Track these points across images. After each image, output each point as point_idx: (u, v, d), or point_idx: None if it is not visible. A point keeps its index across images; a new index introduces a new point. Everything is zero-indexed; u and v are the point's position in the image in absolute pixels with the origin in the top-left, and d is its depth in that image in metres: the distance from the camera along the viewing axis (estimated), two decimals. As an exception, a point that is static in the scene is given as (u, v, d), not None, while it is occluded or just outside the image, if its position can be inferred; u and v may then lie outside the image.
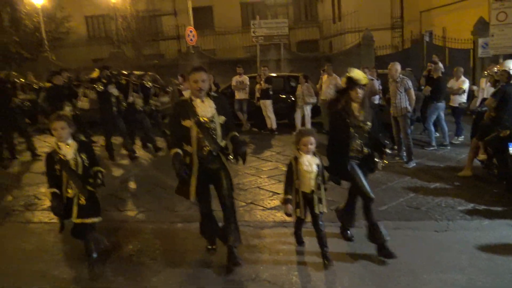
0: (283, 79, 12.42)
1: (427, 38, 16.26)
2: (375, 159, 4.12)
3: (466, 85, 8.89)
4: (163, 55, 25.39)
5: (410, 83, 7.35)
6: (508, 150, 5.66)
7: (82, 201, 3.77)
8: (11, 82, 8.90)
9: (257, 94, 10.98)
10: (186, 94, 7.18)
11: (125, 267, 4.07)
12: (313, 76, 12.04)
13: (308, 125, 10.51)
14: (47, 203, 5.02)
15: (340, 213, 4.49)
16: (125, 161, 8.57)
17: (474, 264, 3.81)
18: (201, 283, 3.70)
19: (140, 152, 9.13)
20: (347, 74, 4.03)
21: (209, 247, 4.23)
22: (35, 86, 11.69)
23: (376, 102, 9.27)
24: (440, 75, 8.59)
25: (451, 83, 8.98)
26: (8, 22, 19.58)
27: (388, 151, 4.43)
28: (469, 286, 3.48)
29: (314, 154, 3.87)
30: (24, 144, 9.43)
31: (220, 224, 4.06)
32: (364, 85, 4.04)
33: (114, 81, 8.49)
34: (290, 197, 3.87)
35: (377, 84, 9.44)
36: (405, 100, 7.29)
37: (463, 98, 8.80)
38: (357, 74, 3.99)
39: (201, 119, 3.68)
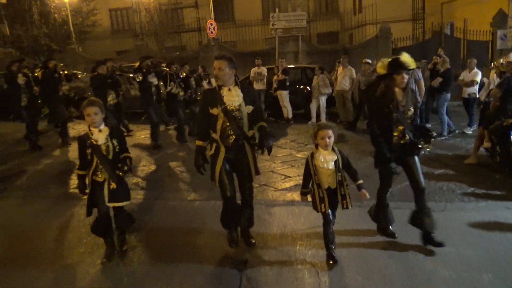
0: (300, 70, 12.81)
1: (448, 30, 16.29)
2: (419, 145, 3.98)
3: (478, 77, 9.06)
4: (184, 47, 25.93)
5: (420, 75, 7.65)
6: (510, 138, 5.93)
7: (113, 185, 3.89)
8: (58, 72, 9.37)
9: (274, 85, 11.38)
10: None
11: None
12: (331, 68, 12.36)
13: (323, 115, 10.90)
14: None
15: (374, 214, 4.36)
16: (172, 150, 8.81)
17: (464, 239, 4.15)
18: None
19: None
20: (393, 58, 3.83)
21: (231, 245, 4.15)
22: (79, 75, 12.31)
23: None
24: (449, 67, 8.82)
25: (464, 75, 9.17)
26: (38, 15, 20.42)
27: (434, 134, 4.24)
28: (457, 257, 3.83)
29: (333, 149, 3.69)
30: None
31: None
32: (411, 70, 3.91)
33: (153, 71, 8.79)
34: (307, 190, 3.82)
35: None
36: (415, 90, 7.57)
37: (474, 89, 9.00)
38: (406, 58, 3.82)
39: (228, 107, 3.74)
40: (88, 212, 4.02)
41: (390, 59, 3.91)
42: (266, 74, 11.69)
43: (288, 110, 11.32)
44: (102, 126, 3.88)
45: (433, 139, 4.06)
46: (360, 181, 3.71)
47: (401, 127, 3.91)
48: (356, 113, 10.34)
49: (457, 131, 8.93)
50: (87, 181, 3.98)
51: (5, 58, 19.20)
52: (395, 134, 3.91)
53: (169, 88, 9.13)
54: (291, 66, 12.96)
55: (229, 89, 3.80)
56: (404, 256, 3.90)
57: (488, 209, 4.95)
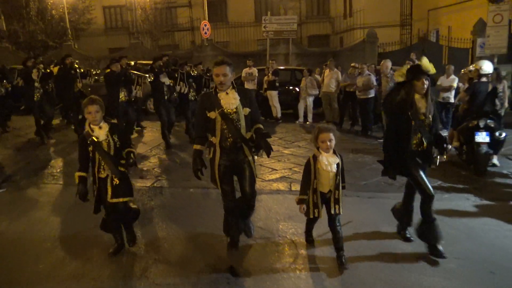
0: (290, 72, 13.46)
1: (433, 37, 17.01)
2: (434, 154, 3.96)
3: (455, 82, 9.75)
4: (177, 45, 26.38)
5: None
6: (474, 138, 6.60)
7: (116, 181, 3.92)
8: (75, 69, 9.68)
9: (265, 85, 12.01)
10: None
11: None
12: (320, 70, 12.99)
13: (310, 115, 11.56)
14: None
15: (398, 212, 4.41)
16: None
17: (425, 222, 4.77)
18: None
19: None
20: (415, 63, 3.85)
21: (232, 249, 3.94)
22: (93, 72, 12.71)
23: (372, 95, 10.18)
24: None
25: (441, 80, 9.84)
26: (35, 11, 20.75)
27: (449, 146, 4.22)
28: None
29: (335, 152, 3.72)
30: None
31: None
32: (430, 75, 3.86)
33: (165, 70, 8.82)
34: (305, 197, 3.77)
35: (373, 79, 10.35)
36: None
37: (450, 94, 9.66)
38: (426, 63, 3.79)
39: (225, 110, 3.71)
40: (95, 209, 4.05)
41: (408, 66, 3.94)
42: (257, 75, 12.29)
43: (277, 110, 11.93)
44: (102, 123, 3.93)
45: (446, 152, 3.99)
46: (343, 184, 3.85)
47: (419, 135, 3.87)
48: (340, 114, 11.07)
49: None
50: (91, 180, 3.99)
51: (1, 53, 19.58)
52: (413, 142, 3.89)
53: (178, 87, 9.28)
54: (281, 67, 13.62)
55: (227, 93, 3.76)
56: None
57: (451, 200, 5.62)
